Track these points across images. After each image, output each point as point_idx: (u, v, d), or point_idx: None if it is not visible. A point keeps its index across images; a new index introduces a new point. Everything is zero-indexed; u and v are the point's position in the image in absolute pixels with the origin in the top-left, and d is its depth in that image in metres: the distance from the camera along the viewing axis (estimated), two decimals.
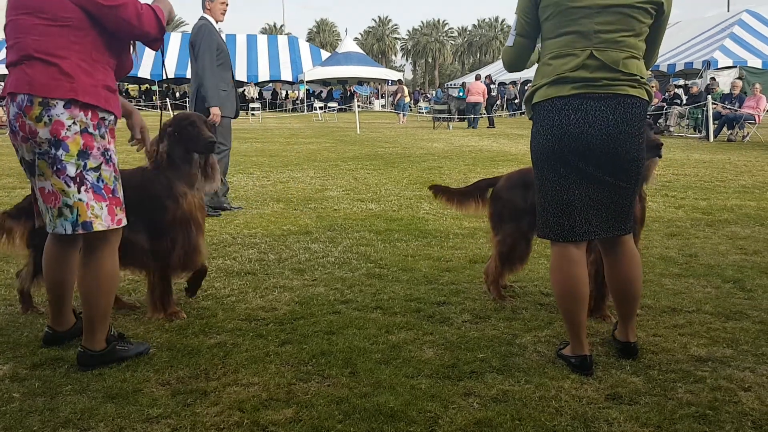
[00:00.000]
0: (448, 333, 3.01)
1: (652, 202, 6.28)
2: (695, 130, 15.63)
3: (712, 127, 14.12)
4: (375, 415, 2.20)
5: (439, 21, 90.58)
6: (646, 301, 3.41)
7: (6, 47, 2.39)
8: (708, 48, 25.08)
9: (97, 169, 2.34)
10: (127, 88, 41.63)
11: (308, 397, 2.35)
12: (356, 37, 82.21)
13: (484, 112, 21.10)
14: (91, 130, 2.31)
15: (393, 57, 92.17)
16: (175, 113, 3.08)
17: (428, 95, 41.15)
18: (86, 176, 2.31)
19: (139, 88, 40.35)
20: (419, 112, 27.42)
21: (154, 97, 33.21)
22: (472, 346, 2.84)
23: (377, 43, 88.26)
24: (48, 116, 2.25)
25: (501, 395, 2.37)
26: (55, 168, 2.27)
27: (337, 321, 3.13)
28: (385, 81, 34.29)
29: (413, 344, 2.87)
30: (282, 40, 38.90)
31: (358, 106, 21.54)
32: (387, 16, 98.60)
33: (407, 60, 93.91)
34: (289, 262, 4.27)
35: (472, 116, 20.26)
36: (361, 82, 40.44)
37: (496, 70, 44.62)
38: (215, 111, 5.66)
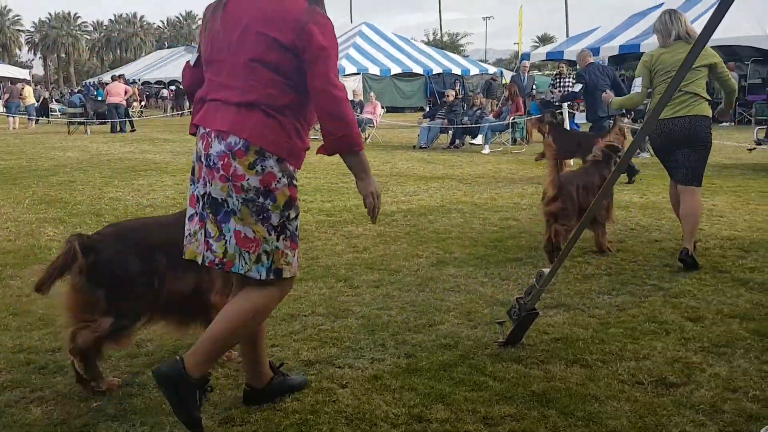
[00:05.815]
0: (60, 385, 2.77)
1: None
2: None
3: None
4: None
5: (70, 14, 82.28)
6: None
7: (215, 80, 2.38)
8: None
9: (297, 218, 2.43)
10: None
11: None
12: None
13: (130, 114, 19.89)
14: (294, 182, 2.39)
15: (18, 51, 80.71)
16: None
17: (63, 93, 36.90)
18: (288, 226, 2.39)
19: None
20: (52, 114, 24.47)
21: None
22: (86, 395, 2.66)
23: None
24: (261, 166, 2.30)
25: None
26: (260, 216, 2.32)
27: None
28: (8, 79, 29.73)
29: (17, 406, 2.58)
30: None
31: None
32: (6, 6, 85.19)
33: (36, 55, 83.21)
34: None
35: (116, 120, 18.92)
36: None
37: (139, 68, 42.53)
38: None
